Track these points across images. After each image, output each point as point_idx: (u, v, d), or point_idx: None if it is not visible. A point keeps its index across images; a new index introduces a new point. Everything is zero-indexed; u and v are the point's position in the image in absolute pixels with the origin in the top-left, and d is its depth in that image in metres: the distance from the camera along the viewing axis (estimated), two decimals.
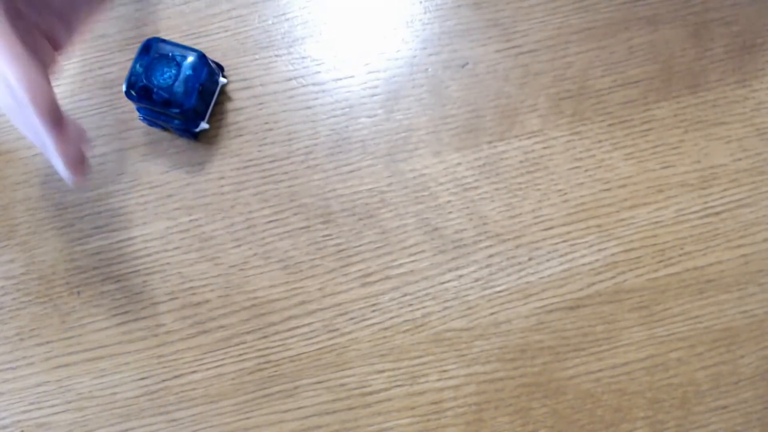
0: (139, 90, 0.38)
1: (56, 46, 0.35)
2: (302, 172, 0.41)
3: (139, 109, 0.40)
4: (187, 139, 0.41)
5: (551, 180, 0.41)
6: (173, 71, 0.38)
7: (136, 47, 0.43)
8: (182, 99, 0.37)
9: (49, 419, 0.38)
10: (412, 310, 0.39)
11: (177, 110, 0.38)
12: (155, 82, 0.38)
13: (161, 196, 0.41)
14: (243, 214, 0.41)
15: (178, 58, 0.38)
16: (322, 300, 0.39)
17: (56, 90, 0.43)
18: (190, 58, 0.38)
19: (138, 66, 0.38)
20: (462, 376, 0.38)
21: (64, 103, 0.42)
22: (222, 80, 0.41)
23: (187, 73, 0.38)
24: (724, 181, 0.41)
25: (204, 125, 0.40)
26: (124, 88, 0.38)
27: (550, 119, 0.42)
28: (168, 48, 0.38)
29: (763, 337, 0.39)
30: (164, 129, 0.41)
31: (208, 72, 0.39)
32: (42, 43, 0.35)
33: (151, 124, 0.41)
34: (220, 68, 0.42)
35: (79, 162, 0.32)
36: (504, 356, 0.39)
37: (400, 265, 0.40)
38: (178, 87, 0.37)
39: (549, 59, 0.43)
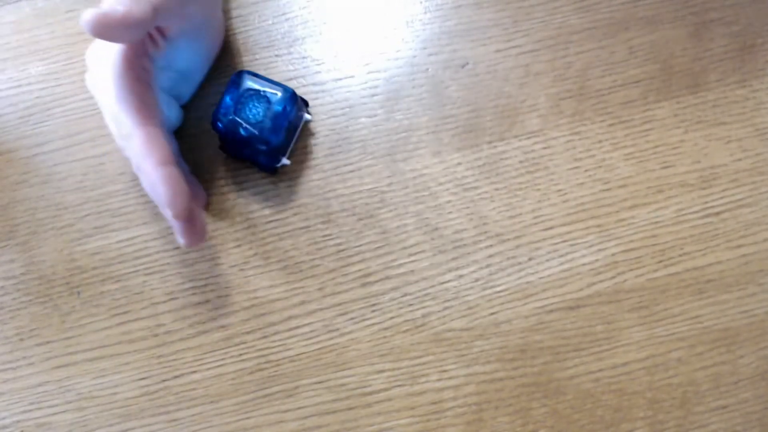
0: (228, 123, 0.37)
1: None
2: (302, 173, 0.41)
3: (222, 139, 0.39)
4: (267, 173, 0.41)
5: (551, 180, 0.41)
6: (263, 107, 0.37)
7: None
8: (270, 136, 0.37)
9: (49, 419, 0.38)
10: (412, 310, 0.39)
11: (264, 147, 0.37)
12: (244, 117, 0.37)
13: None
14: (244, 215, 0.41)
15: (269, 95, 0.37)
16: (322, 300, 0.39)
17: (56, 90, 0.43)
18: (280, 95, 0.37)
19: (228, 99, 0.37)
20: (462, 376, 0.38)
21: (64, 102, 0.42)
22: (306, 116, 0.40)
23: (277, 110, 0.37)
24: (724, 181, 0.41)
25: (285, 161, 0.39)
26: (211, 119, 0.37)
27: (550, 119, 0.42)
28: (258, 83, 0.37)
29: (763, 337, 0.39)
30: (243, 161, 0.41)
31: (296, 109, 0.38)
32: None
33: (232, 155, 0.40)
34: (305, 103, 0.41)
35: (198, 236, 0.34)
36: (504, 356, 0.39)
37: (400, 265, 0.40)
38: (267, 123, 0.37)
39: (549, 59, 0.43)
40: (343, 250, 0.40)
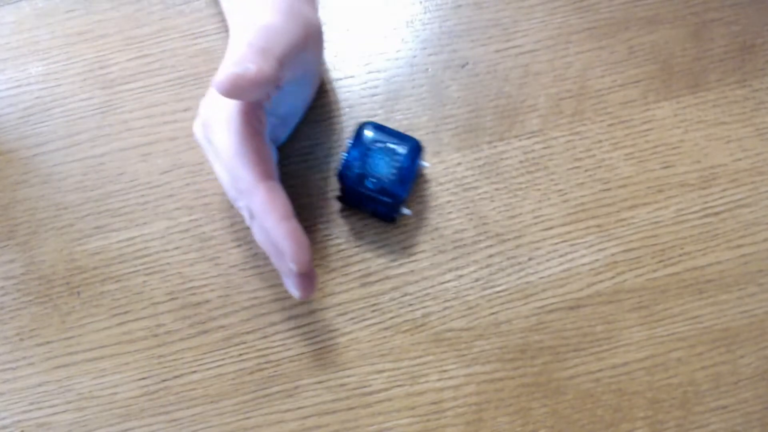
0: (355, 177, 0.37)
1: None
2: (302, 173, 0.41)
3: (344, 191, 0.38)
4: (384, 222, 0.40)
5: (551, 180, 0.41)
6: (389, 160, 0.36)
7: (136, 47, 0.43)
8: (397, 189, 0.36)
9: (49, 419, 0.38)
10: (412, 310, 0.39)
11: (390, 200, 0.37)
12: (370, 171, 0.36)
13: (161, 196, 0.41)
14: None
15: (395, 147, 0.37)
16: (322, 300, 0.39)
17: (56, 90, 0.43)
18: (407, 148, 0.37)
19: (354, 152, 0.37)
20: (462, 376, 0.38)
21: (64, 103, 0.42)
22: (424, 164, 0.40)
23: (404, 163, 0.36)
24: (724, 181, 0.41)
25: (406, 211, 0.38)
26: (338, 169, 0.37)
27: (550, 119, 0.42)
28: (384, 135, 0.37)
29: (763, 337, 0.39)
30: (359, 209, 0.40)
31: (421, 159, 0.38)
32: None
33: (351, 206, 0.40)
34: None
35: (313, 286, 0.34)
36: (504, 356, 0.39)
37: (400, 265, 0.40)
38: (394, 177, 0.36)
39: (549, 59, 0.43)
40: (343, 250, 0.40)
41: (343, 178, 0.37)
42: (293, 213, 0.32)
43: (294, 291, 0.34)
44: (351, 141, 0.37)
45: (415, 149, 0.37)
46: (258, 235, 0.34)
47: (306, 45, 0.35)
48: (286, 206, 0.32)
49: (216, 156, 0.34)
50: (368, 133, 0.37)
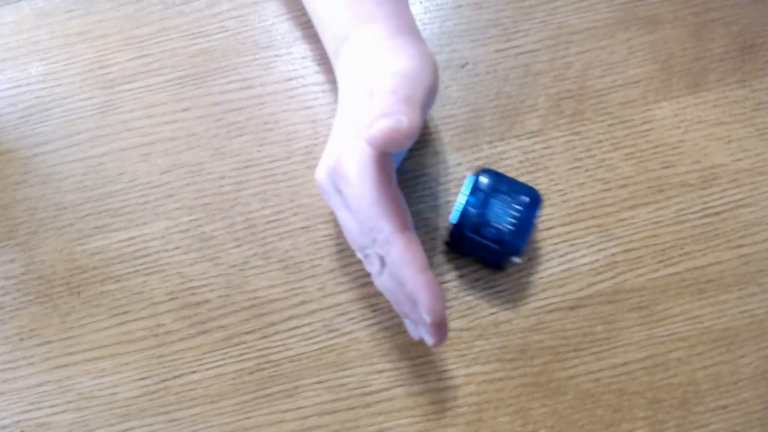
0: (474, 225, 0.36)
1: None
2: (302, 172, 0.41)
3: (455, 238, 0.37)
4: (492, 269, 0.39)
5: (551, 180, 0.41)
6: (509, 210, 0.36)
7: (136, 47, 0.43)
8: (516, 240, 0.36)
9: (49, 419, 0.38)
10: None
11: (505, 250, 0.36)
12: (489, 220, 0.36)
13: (161, 196, 0.41)
14: (243, 214, 0.41)
15: (515, 197, 0.36)
16: (322, 300, 0.39)
17: (56, 90, 0.43)
18: (528, 198, 0.36)
19: (472, 199, 0.36)
20: (462, 376, 0.38)
21: (64, 103, 0.42)
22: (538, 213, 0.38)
23: (525, 215, 0.36)
24: (724, 181, 0.41)
25: (517, 259, 0.37)
26: (454, 218, 0.36)
27: (550, 119, 0.42)
28: (503, 184, 0.36)
29: (763, 337, 0.39)
30: (467, 255, 0.39)
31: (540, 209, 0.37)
32: None
33: (458, 249, 0.39)
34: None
35: (445, 334, 0.33)
36: (504, 356, 0.39)
37: None
38: (513, 227, 0.36)
39: (549, 59, 0.43)
40: (343, 250, 0.40)
41: (459, 226, 0.36)
42: (429, 265, 0.32)
43: (426, 338, 0.33)
44: (467, 187, 0.36)
45: (535, 200, 0.36)
46: (386, 284, 0.33)
47: (437, 86, 0.34)
48: (423, 258, 0.31)
49: (346, 206, 0.32)
50: (485, 180, 0.36)
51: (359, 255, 0.34)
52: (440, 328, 0.32)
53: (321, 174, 0.33)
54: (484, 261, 0.39)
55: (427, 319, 0.31)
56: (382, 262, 0.32)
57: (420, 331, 0.34)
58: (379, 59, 0.33)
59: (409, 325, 0.35)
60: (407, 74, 0.32)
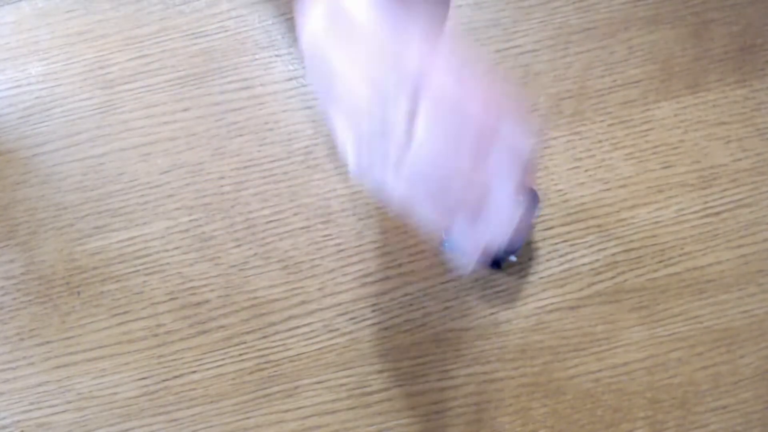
0: None
1: None
2: (302, 172, 0.41)
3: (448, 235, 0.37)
4: (490, 268, 0.39)
5: (551, 180, 0.41)
6: None
7: (136, 47, 0.43)
8: (513, 239, 0.35)
9: (49, 419, 0.38)
10: (412, 310, 0.39)
11: (505, 250, 0.36)
12: None
13: (161, 196, 0.41)
14: (243, 214, 0.41)
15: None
16: (322, 300, 0.39)
17: (56, 90, 0.43)
18: (525, 199, 0.35)
19: None
20: (462, 376, 0.38)
21: (64, 103, 0.42)
22: (538, 212, 0.39)
23: (522, 215, 0.35)
24: (724, 181, 0.41)
25: (513, 258, 0.37)
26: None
27: (550, 119, 0.42)
28: None
29: (763, 337, 0.39)
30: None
31: (538, 209, 0.36)
32: None
33: (455, 251, 0.38)
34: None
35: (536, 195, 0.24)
36: (504, 356, 0.39)
37: (400, 265, 0.40)
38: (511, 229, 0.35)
39: (549, 59, 0.43)
40: (343, 250, 0.40)
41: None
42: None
43: (484, 238, 0.22)
44: None
45: (533, 200, 0.36)
46: (424, 153, 0.21)
47: None
48: (485, 71, 0.21)
49: (355, 52, 0.23)
50: None
51: (372, 145, 0.23)
52: (530, 187, 0.23)
53: (313, 26, 0.24)
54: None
55: (526, 149, 0.21)
56: (414, 109, 0.21)
57: (473, 236, 0.23)
58: None
59: (453, 242, 0.25)
60: None
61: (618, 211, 0.40)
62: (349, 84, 0.23)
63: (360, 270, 0.40)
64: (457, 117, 0.20)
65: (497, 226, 0.21)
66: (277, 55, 0.43)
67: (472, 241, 0.23)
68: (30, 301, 0.40)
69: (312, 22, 0.24)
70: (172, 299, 0.40)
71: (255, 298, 0.40)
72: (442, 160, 0.21)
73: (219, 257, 0.40)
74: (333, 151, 0.41)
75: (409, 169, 0.21)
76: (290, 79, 0.42)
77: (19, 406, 0.39)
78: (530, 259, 0.40)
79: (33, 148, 0.42)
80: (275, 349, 0.39)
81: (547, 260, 0.40)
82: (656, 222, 0.40)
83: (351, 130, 0.23)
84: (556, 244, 0.40)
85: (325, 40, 0.23)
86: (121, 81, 0.43)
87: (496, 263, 0.38)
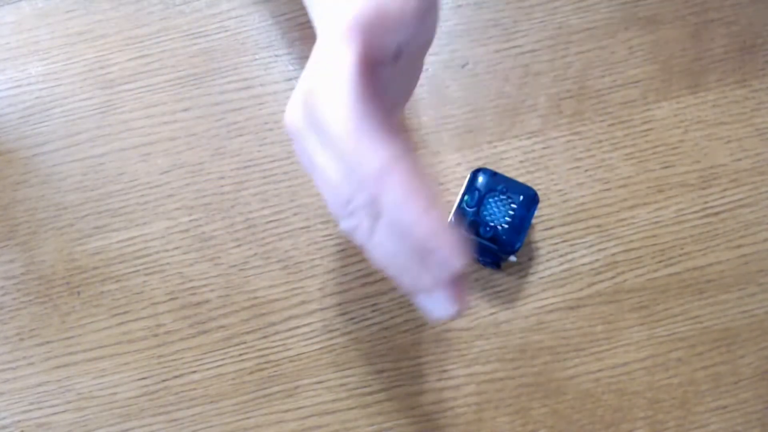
0: (469, 224, 0.36)
1: None
2: (302, 172, 0.41)
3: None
4: (489, 268, 0.39)
5: (551, 180, 0.41)
6: (505, 209, 0.36)
7: (136, 47, 0.43)
8: (511, 238, 0.36)
9: (49, 419, 0.38)
10: (412, 310, 0.39)
11: (501, 249, 0.36)
12: (485, 219, 0.36)
13: (161, 196, 0.41)
14: (243, 214, 0.41)
15: (511, 196, 0.36)
16: (322, 300, 0.39)
17: (56, 90, 0.43)
18: (524, 197, 0.36)
19: (469, 199, 0.36)
20: (462, 376, 0.38)
21: (64, 103, 0.42)
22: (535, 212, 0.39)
23: (521, 213, 0.36)
24: (724, 181, 0.41)
25: (513, 258, 0.38)
26: (451, 217, 0.36)
27: (550, 119, 0.42)
28: (500, 183, 0.36)
29: (763, 337, 0.39)
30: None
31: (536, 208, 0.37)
32: None
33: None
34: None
35: (464, 294, 0.26)
36: (504, 356, 0.39)
37: None
38: (508, 226, 0.36)
39: (549, 59, 0.43)
40: (343, 250, 0.40)
41: (456, 225, 0.36)
42: (440, 200, 0.25)
43: (443, 307, 0.26)
44: (464, 186, 0.36)
45: (532, 199, 0.36)
46: (383, 245, 0.25)
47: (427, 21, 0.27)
48: (431, 190, 0.24)
49: (325, 144, 0.25)
50: (482, 180, 0.37)
51: (344, 221, 0.26)
52: (459, 285, 0.26)
53: (293, 112, 0.26)
54: (480, 260, 0.39)
55: (446, 268, 0.24)
56: (376, 211, 0.24)
57: (436, 303, 0.26)
58: None
59: (424, 302, 0.27)
60: None
61: (618, 211, 0.40)
62: (319, 168, 0.25)
63: (360, 270, 0.40)
64: (402, 230, 0.24)
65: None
66: (277, 55, 0.43)
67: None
68: (30, 301, 0.40)
69: (291, 106, 0.26)
70: (172, 299, 0.40)
71: (255, 298, 0.40)
72: (391, 262, 0.25)
73: (219, 257, 0.40)
74: None
75: (375, 253, 0.25)
76: (290, 79, 0.42)
77: (19, 406, 0.39)
78: (530, 259, 0.40)
79: (33, 148, 0.42)
80: (275, 349, 0.39)
81: (547, 260, 0.40)
82: (656, 222, 0.40)
83: (327, 202, 0.26)
84: (556, 244, 0.40)
85: (301, 125, 0.26)
86: (121, 81, 0.43)
87: (496, 263, 0.38)
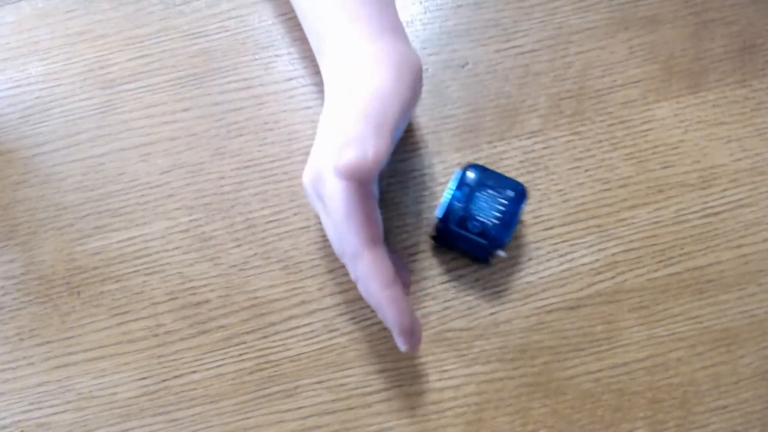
0: (458, 218, 0.36)
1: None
2: (302, 173, 0.41)
3: (441, 232, 0.38)
4: (478, 263, 0.40)
5: (551, 180, 0.41)
6: (494, 204, 0.36)
7: (136, 47, 0.43)
8: (500, 233, 0.36)
9: (49, 419, 0.38)
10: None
11: (490, 243, 0.36)
12: (474, 214, 0.36)
13: (161, 196, 0.41)
14: (243, 214, 0.41)
15: (500, 191, 0.36)
16: (322, 300, 0.39)
17: (56, 90, 0.43)
18: (512, 193, 0.36)
19: (458, 194, 0.36)
20: (462, 376, 0.38)
21: (64, 103, 0.42)
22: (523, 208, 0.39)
23: (509, 208, 0.36)
24: (724, 181, 0.41)
25: (501, 253, 0.38)
26: (439, 212, 0.37)
27: (550, 119, 0.42)
28: (489, 179, 0.37)
29: (763, 337, 0.39)
30: (453, 249, 0.40)
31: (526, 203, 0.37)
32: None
33: (444, 243, 0.39)
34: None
35: (418, 339, 0.34)
36: (504, 356, 0.39)
37: None
38: (497, 221, 0.36)
39: (549, 59, 0.43)
40: None
41: (445, 220, 0.36)
42: (396, 279, 0.32)
43: (400, 345, 0.34)
44: (454, 182, 0.37)
45: (520, 194, 0.37)
46: (362, 292, 0.34)
47: (415, 102, 0.34)
48: (389, 273, 0.32)
49: (325, 212, 0.33)
50: (471, 175, 0.37)
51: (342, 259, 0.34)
52: (409, 336, 0.33)
53: (306, 176, 0.34)
54: (469, 255, 0.39)
55: (393, 330, 0.33)
56: (356, 275, 0.33)
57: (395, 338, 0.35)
58: (359, 69, 0.33)
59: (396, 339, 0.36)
60: (383, 94, 0.32)
61: (618, 211, 0.40)
62: (322, 222, 0.35)
63: None
64: (368, 292, 0.33)
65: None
66: (277, 55, 0.43)
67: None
68: (30, 301, 0.40)
69: (306, 173, 0.34)
70: (172, 299, 0.40)
71: (255, 298, 0.40)
72: (367, 299, 0.33)
73: (219, 257, 0.40)
74: None
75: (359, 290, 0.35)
76: (290, 79, 0.42)
77: (19, 406, 0.39)
78: (530, 259, 0.40)
79: (33, 148, 0.42)
80: (275, 349, 0.39)
81: (547, 260, 0.40)
82: (656, 222, 0.40)
83: (332, 244, 0.34)
84: (556, 244, 0.40)
85: (311, 190, 0.34)
86: (121, 81, 0.43)
87: (485, 258, 0.38)
